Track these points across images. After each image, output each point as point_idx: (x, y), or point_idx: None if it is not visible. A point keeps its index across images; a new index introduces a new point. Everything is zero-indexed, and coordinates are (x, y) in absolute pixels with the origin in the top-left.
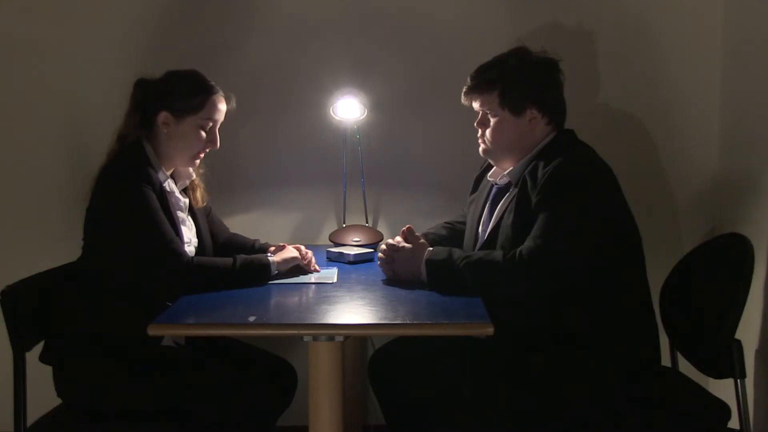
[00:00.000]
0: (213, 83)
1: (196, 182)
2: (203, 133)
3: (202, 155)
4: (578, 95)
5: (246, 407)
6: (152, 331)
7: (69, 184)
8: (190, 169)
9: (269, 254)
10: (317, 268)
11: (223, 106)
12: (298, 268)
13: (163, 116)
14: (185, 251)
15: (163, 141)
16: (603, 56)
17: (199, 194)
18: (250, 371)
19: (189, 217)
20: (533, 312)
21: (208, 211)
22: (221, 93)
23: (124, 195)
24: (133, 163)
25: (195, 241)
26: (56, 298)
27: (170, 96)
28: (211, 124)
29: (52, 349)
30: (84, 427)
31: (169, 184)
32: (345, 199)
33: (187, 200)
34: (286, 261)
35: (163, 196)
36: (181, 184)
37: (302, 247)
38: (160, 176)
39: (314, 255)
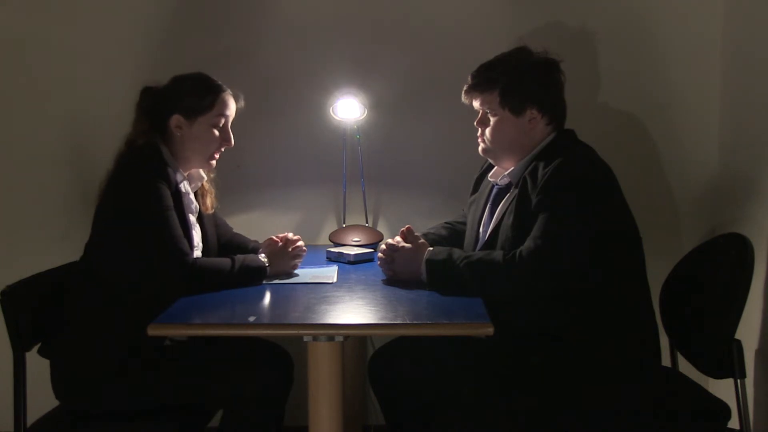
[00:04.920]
0: (220, 82)
1: (207, 188)
2: (216, 132)
3: (218, 155)
4: (578, 95)
5: (257, 386)
6: (152, 331)
7: (69, 184)
8: (202, 172)
9: (261, 254)
10: (304, 248)
11: (232, 103)
12: (292, 260)
13: (175, 119)
14: (190, 251)
15: (178, 144)
16: (603, 56)
17: (209, 200)
18: (251, 354)
19: (197, 223)
20: (533, 312)
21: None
22: (229, 91)
23: (139, 190)
24: (150, 161)
25: (201, 245)
26: (56, 298)
27: (180, 99)
28: (223, 121)
29: (53, 348)
30: (84, 427)
31: (185, 185)
32: (345, 199)
33: (197, 205)
34: (278, 261)
35: (178, 195)
36: (194, 187)
37: (289, 234)
38: (177, 176)
39: (314, 255)
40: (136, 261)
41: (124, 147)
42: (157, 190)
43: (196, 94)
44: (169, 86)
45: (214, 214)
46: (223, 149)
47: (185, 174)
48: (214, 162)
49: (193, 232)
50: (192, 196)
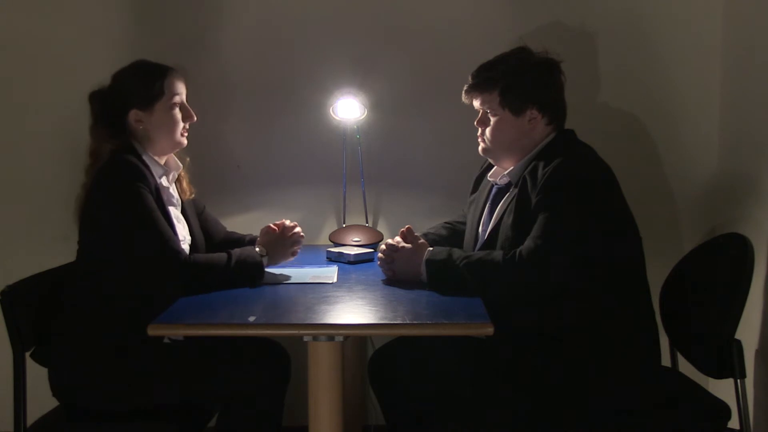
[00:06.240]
0: (161, 64)
1: (182, 174)
2: (177, 112)
3: (186, 132)
4: (578, 95)
5: (256, 384)
6: (152, 331)
7: (69, 184)
8: (177, 160)
9: (258, 246)
10: (301, 234)
11: (181, 81)
12: (290, 246)
13: (133, 115)
14: (183, 250)
15: (144, 137)
16: (603, 56)
17: (185, 184)
18: (249, 351)
19: (180, 214)
20: (533, 312)
21: (200, 209)
22: (173, 69)
23: (121, 196)
24: (128, 164)
25: (189, 238)
26: (56, 298)
27: (130, 93)
28: (179, 100)
29: (51, 349)
30: (83, 427)
31: (165, 179)
32: (345, 199)
33: (178, 196)
34: (277, 249)
35: (159, 193)
36: (172, 178)
37: (286, 221)
38: (156, 170)
39: (314, 255)
40: (130, 266)
41: (89, 158)
42: (138, 194)
43: (144, 84)
44: (114, 85)
45: (201, 209)
46: (188, 126)
47: (162, 162)
48: (184, 140)
49: (179, 226)
50: (172, 189)
